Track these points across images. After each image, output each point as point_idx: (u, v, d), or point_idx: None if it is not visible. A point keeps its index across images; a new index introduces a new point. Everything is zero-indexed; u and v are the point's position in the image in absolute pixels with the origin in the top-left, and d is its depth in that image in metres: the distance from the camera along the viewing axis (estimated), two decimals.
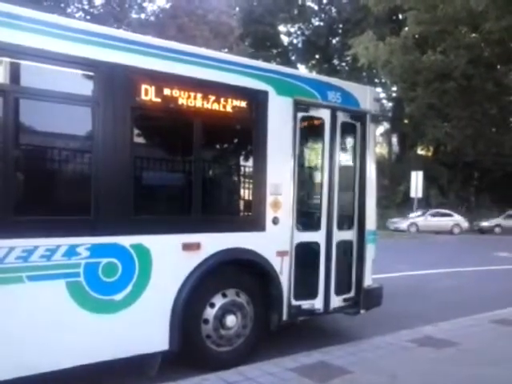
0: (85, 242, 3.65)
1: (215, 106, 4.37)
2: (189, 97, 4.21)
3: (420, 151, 32.64)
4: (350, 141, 5.54)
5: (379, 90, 30.43)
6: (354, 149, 5.50)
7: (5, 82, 3.41)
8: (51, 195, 3.87)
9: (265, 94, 4.66)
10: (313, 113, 5.09)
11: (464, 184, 28.36)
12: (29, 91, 3.53)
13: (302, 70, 33.90)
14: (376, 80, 29.47)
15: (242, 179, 4.98)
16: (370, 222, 5.58)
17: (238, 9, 29.09)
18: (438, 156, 29.34)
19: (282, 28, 34.02)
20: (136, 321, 3.92)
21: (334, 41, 32.94)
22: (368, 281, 5.53)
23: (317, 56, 33.70)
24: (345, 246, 5.36)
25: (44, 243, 3.48)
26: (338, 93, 5.23)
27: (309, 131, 5.26)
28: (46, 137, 3.90)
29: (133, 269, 3.89)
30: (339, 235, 5.27)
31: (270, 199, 4.72)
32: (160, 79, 4.04)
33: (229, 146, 5.28)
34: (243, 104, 4.60)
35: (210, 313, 4.38)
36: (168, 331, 4.09)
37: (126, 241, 3.84)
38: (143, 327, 3.98)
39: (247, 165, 4.89)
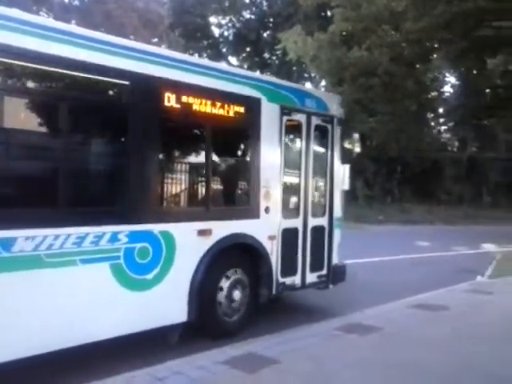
0: (124, 229, 4.22)
1: (221, 111, 5.08)
2: (201, 103, 4.88)
3: (347, 145, 33.69)
4: (321, 140, 6.34)
5: (308, 84, 31.05)
6: (325, 147, 6.32)
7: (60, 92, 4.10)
8: (98, 190, 4.59)
9: (259, 101, 5.41)
10: (294, 116, 5.87)
11: (388, 177, 29.64)
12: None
13: (233, 62, 33.86)
14: (305, 75, 30.01)
15: (241, 174, 5.73)
16: (337, 210, 6.45)
17: None
18: (365, 150, 30.48)
19: (213, 19, 33.69)
20: (163, 297, 4.54)
21: (265, 34, 33.05)
22: (335, 260, 6.40)
23: (248, 49, 33.70)
24: (317, 231, 6.17)
25: (93, 231, 3.99)
26: (312, 100, 6.08)
27: (290, 132, 6.00)
28: (91, 138, 4.56)
29: (161, 252, 4.52)
30: (313, 221, 6.10)
31: (262, 191, 5.46)
32: (179, 89, 4.68)
33: (232, 146, 5.97)
34: (242, 109, 5.29)
35: (221, 289, 5.09)
36: (187, 305, 4.74)
37: (155, 228, 4.46)
38: (168, 302, 4.62)
39: (245, 161, 5.65)
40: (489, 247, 15.22)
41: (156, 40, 23.87)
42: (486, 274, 9.86)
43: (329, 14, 27.19)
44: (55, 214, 3.85)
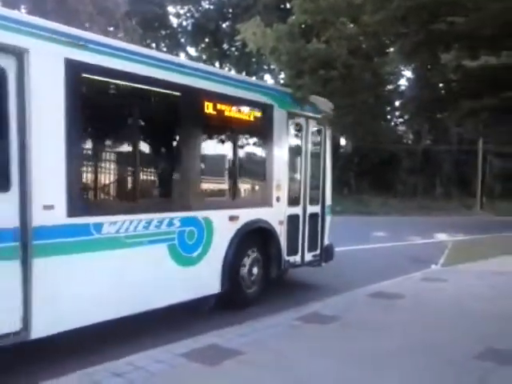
0: (178, 215, 5.16)
1: (245, 116, 6.15)
2: (230, 109, 5.90)
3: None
4: (316, 140, 7.45)
5: (267, 76, 31.08)
6: (318, 146, 7.46)
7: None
8: (160, 185, 5.61)
9: (272, 107, 6.44)
10: (297, 120, 6.94)
11: (345, 169, 30.19)
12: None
13: (192, 53, 33.41)
14: (265, 67, 29.97)
15: (260, 169, 6.60)
16: (328, 199, 7.72)
17: None
18: None
19: (171, 9, 33.04)
20: (203, 271, 5.50)
21: (224, 25, 32.73)
22: (326, 241, 7.56)
23: (207, 40, 33.29)
24: (313, 217, 7.29)
25: (156, 217, 4.92)
26: (310, 105, 7.05)
27: (294, 133, 7.04)
28: (155, 140, 5.49)
29: (203, 234, 5.47)
30: (310, 209, 7.20)
31: (275, 184, 6.51)
32: (215, 98, 5.64)
33: (252, 146, 6.83)
34: (260, 115, 6.34)
35: (244, 263, 6.08)
36: (220, 278, 5.70)
37: (199, 214, 5.43)
38: (207, 276, 5.58)
39: (262, 158, 6.60)
40: (441, 237, 15.82)
41: (112, 29, 23.23)
42: (439, 262, 10.22)
43: (288, 6, 27.25)
44: (130, 203, 4.89)
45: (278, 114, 6.51)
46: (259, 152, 6.73)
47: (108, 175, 4.93)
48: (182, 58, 29.71)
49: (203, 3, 32.89)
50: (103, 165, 4.91)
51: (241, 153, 6.33)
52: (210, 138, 6.11)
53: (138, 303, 4.75)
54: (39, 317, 3.93)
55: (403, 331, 5.04)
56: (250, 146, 6.77)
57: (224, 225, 5.72)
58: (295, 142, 7.12)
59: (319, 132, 7.43)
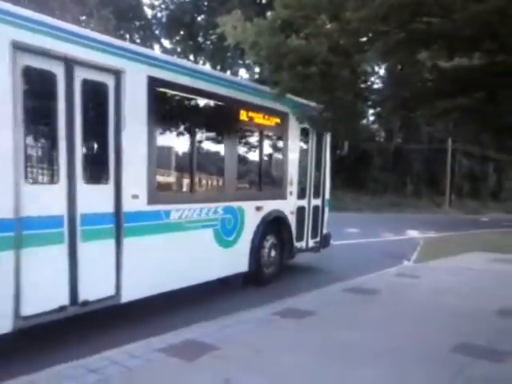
0: (221, 205, 6.32)
1: (268, 122, 7.29)
2: (258, 116, 7.06)
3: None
4: (319, 142, 8.64)
5: (243, 71, 30.97)
6: (320, 147, 8.65)
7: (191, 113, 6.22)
8: (210, 181, 6.68)
9: (287, 114, 7.63)
10: (305, 125, 7.86)
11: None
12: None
13: (166, 45, 32.95)
14: (240, 61, 29.79)
15: (278, 167, 7.84)
16: (327, 193, 8.93)
17: None
18: None
19: (145, 0, 32.45)
20: (237, 253, 6.65)
21: (199, 18, 32.34)
22: (325, 230, 8.77)
23: (182, 32, 32.82)
24: (315, 209, 8.50)
25: (206, 206, 6.05)
26: (313, 110, 7.56)
27: (302, 136, 8.23)
28: (208, 140, 6.59)
29: (237, 221, 6.63)
30: (313, 202, 8.42)
31: (289, 180, 7.73)
32: (249, 107, 6.86)
33: (272, 147, 7.99)
34: (279, 121, 7.55)
35: (265, 246, 7.21)
36: (248, 259, 6.84)
37: (235, 204, 6.59)
38: (239, 257, 6.71)
39: (280, 158, 7.84)
40: (413, 234, 16.12)
41: (84, 17, 22.69)
42: (411, 259, 10.42)
43: (264, 1, 27.16)
44: (189, 194, 5.92)
45: (292, 120, 7.61)
46: (278, 152, 7.88)
47: (174, 172, 6.19)
48: (156, 49, 29.32)
49: None
50: (171, 164, 6.09)
51: (265, 152, 7.49)
52: (246, 141, 7.26)
53: (195, 277, 5.87)
54: (127, 285, 4.92)
55: (379, 326, 5.11)
56: (272, 147, 7.93)
57: (252, 213, 6.88)
58: (303, 142, 8.32)
59: (321, 135, 8.58)
